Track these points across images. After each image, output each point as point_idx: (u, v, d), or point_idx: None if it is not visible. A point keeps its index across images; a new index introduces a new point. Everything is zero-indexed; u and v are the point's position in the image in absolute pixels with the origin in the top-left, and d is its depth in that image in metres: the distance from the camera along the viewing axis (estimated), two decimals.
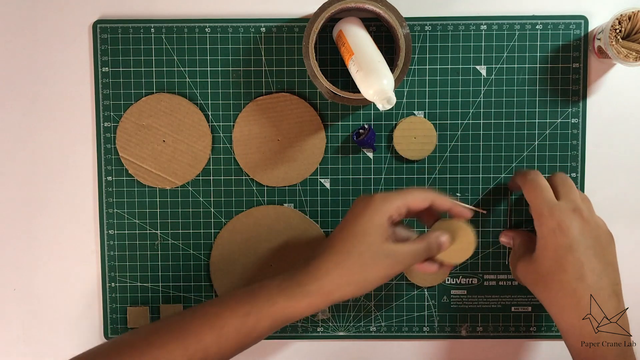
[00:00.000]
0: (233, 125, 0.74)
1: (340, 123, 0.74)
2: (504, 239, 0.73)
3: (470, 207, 0.67)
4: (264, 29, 0.73)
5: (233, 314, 0.61)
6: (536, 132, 0.73)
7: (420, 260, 0.63)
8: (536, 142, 0.73)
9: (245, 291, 0.62)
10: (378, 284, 0.61)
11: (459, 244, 0.66)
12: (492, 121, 0.73)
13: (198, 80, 0.73)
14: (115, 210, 0.74)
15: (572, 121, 0.73)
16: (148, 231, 0.74)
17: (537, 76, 0.73)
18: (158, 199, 0.74)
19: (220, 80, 0.73)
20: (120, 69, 0.73)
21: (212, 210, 0.74)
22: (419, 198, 0.63)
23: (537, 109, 0.73)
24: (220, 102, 0.73)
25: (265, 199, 0.74)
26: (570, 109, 0.73)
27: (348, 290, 0.60)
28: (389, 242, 0.61)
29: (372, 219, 0.61)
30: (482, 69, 0.73)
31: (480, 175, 0.74)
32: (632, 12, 0.65)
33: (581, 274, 0.61)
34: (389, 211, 0.61)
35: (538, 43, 0.73)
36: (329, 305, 0.61)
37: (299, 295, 0.60)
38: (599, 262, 0.63)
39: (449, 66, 0.73)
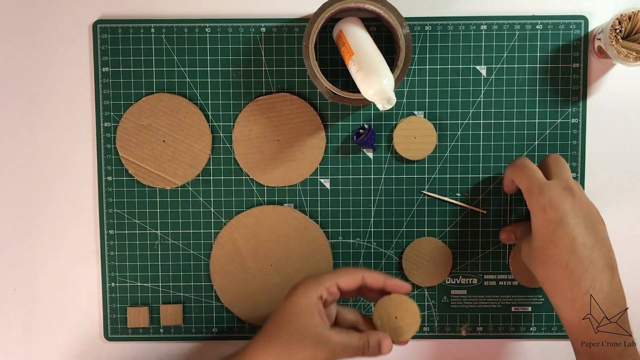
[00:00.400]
0: (233, 125, 0.74)
1: (340, 123, 0.74)
2: (503, 236, 0.72)
3: (402, 283, 0.65)
4: (264, 29, 0.73)
5: None
6: (536, 132, 0.73)
7: (354, 355, 0.61)
8: (536, 142, 0.73)
9: None
10: None
11: (404, 319, 0.64)
12: (492, 121, 0.73)
13: (198, 80, 0.73)
14: (115, 210, 0.74)
15: (572, 121, 0.73)
16: (148, 231, 0.74)
17: (537, 76, 0.73)
18: (158, 199, 0.74)
19: (220, 80, 0.73)
20: (120, 69, 0.73)
21: (212, 210, 0.74)
22: (348, 277, 0.63)
23: (537, 109, 0.73)
24: (220, 102, 0.73)
25: (265, 199, 0.74)
26: (570, 109, 0.73)
27: None
28: (322, 325, 0.61)
29: (301, 300, 0.61)
30: (482, 69, 0.73)
31: (480, 175, 0.74)
32: (632, 12, 0.65)
33: (573, 247, 0.60)
34: (318, 291, 0.61)
35: (538, 43, 0.73)
36: None
37: None
38: (591, 236, 0.61)
39: (449, 66, 0.73)
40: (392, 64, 0.67)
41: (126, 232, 0.74)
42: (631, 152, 0.74)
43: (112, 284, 0.75)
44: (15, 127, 0.74)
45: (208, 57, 0.73)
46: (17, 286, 0.75)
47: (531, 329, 0.75)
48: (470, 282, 0.75)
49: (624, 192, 0.74)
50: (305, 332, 0.60)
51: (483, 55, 0.73)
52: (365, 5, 0.67)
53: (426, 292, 0.75)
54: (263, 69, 0.73)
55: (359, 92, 0.65)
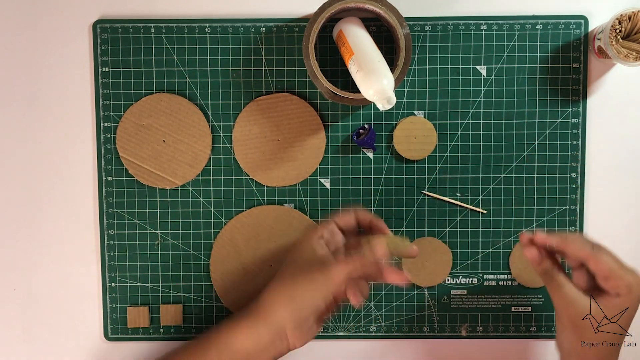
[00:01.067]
0: (233, 125, 0.74)
1: (340, 123, 0.74)
2: (532, 252, 0.64)
3: (384, 226, 0.68)
4: (264, 29, 0.73)
5: None
6: (536, 132, 0.73)
7: (353, 266, 0.62)
8: (536, 142, 0.73)
9: (206, 337, 0.67)
10: (313, 301, 0.63)
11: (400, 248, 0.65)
12: (492, 121, 0.73)
13: (198, 80, 0.73)
14: (115, 210, 0.74)
15: (572, 121, 0.73)
16: (148, 231, 0.74)
17: (537, 76, 0.73)
18: (158, 199, 0.74)
19: (220, 80, 0.73)
20: (120, 69, 0.73)
21: (212, 210, 0.74)
22: (343, 215, 0.68)
23: (537, 109, 0.73)
24: (220, 102, 0.73)
25: (265, 199, 0.74)
26: (570, 109, 0.73)
27: (282, 310, 0.64)
28: (322, 253, 0.64)
29: (302, 242, 0.66)
30: (482, 69, 0.73)
31: (480, 175, 0.74)
32: (632, 12, 0.65)
33: None
34: (318, 232, 0.66)
35: (538, 43, 0.73)
36: (273, 333, 0.64)
37: (242, 321, 0.65)
38: None
39: (449, 66, 0.73)
40: (392, 64, 0.67)
41: (126, 232, 0.74)
42: (631, 152, 0.74)
43: (112, 284, 0.75)
44: (15, 127, 0.74)
45: (208, 57, 0.73)
46: (17, 286, 0.75)
47: (531, 329, 0.75)
48: (470, 282, 0.75)
49: (624, 192, 0.74)
50: (305, 263, 0.64)
51: (483, 55, 0.73)
52: (365, 5, 0.67)
53: (426, 292, 0.75)
54: (263, 69, 0.73)
55: (359, 92, 0.65)
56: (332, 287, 0.62)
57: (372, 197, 0.74)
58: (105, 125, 0.74)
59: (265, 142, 0.73)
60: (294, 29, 0.73)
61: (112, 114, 0.73)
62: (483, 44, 0.73)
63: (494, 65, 0.73)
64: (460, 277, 0.75)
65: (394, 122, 0.73)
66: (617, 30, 0.66)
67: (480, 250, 0.75)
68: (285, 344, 0.65)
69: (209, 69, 0.73)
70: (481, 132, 0.73)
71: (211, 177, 0.74)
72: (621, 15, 0.66)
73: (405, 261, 0.74)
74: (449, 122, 0.73)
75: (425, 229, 0.74)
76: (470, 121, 0.73)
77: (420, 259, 0.74)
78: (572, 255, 0.63)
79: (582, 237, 0.64)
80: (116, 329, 0.75)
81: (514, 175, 0.74)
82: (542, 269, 0.64)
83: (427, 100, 0.73)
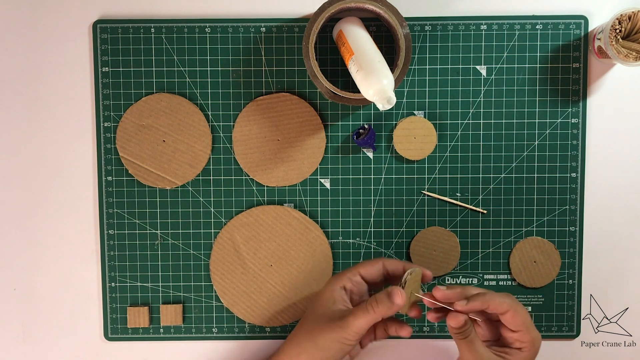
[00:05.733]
0: (233, 125, 0.74)
1: (340, 123, 0.74)
2: (454, 321, 0.63)
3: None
4: (264, 29, 0.73)
5: None
6: (536, 132, 0.73)
7: (373, 317, 0.62)
8: (536, 142, 0.73)
9: None
10: (334, 352, 0.63)
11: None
12: (492, 121, 0.73)
13: (198, 80, 0.73)
14: (115, 210, 0.74)
15: (572, 121, 0.73)
16: (148, 231, 0.74)
17: (537, 76, 0.73)
18: (158, 199, 0.74)
19: (220, 80, 0.73)
20: (120, 69, 0.73)
21: (212, 210, 0.74)
22: (368, 265, 0.67)
23: (537, 109, 0.73)
24: (220, 102, 0.73)
25: (265, 199, 0.74)
26: (570, 109, 0.73)
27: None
28: (343, 307, 0.64)
29: (324, 292, 0.66)
30: (482, 69, 0.73)
31: (480, 175, 0.74)
32: (632, 12, 0.65)
33: None
34: (341, 282, 0.66)
35: (538, 43, 0.73)
36: None
37: None
38: None
39: (449, 66, 0.73)
40: (392, 64, 0.67)
41: (126, 232, 0.74)
42: (631, 152, 0.74)
43: (112, 284, 0.75)
44: (16, 127, 0.74)
45: (208, 57, 0.73)
46: (17, 286, 0.75)
47: None
48: (470, 282, 0.75)
49: (624, 192, 0.74)
50: (324, 316, 0.64)
51: (483, 55, 0.73)
52: (365, 5, 0.67)
53: (425, 290, 0.75)
54: (263, 69, 0.73)
55: (359, 92, 0.65)
56: (351, 339, 0.63)
57: (372, 197, 0.74)
58: (105, 125, 0.74)
59: (265, 142, 0.73)
60: (294, 29, 0.73)
61: (112, 114, 0.73)
62: (483, 44, 0.73)
63: (494, 65, 0.73)
64: (460, 277, 0.75)
65: (394, 122, 0.73)
66: (617, 30, 0.66)
67: (480, 250, 0.75)
68: None
69: (209, 69, 0.73)
70: (481, 132, 0.73)
71: (211, 177, 0.74)
72: (621, 15, 0.66)
73: (414, 253, 0.74)
74: (449, 122, 0.73)
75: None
76: (470, 121, 0.73)
77: (427, 249, 0.74)
78: (493, 311, 0.63)
79: (493, 292, 0.64)
80: (116, 329, 0.75)
81: (514, 175, 0.74)
82: (461, 330, 0.63)
83: (427, 100, 0.73)
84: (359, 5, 0.67)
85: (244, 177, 0.74)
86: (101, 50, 0.73)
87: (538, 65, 0.73)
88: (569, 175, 0.74)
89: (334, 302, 0.64)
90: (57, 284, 0.75)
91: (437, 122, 0.73)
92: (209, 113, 0.74)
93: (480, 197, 0.74)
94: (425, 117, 0.73)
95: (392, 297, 0.62)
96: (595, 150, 0.74)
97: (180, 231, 0.75)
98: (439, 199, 0.74)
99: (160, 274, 0.75)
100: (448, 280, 0.75)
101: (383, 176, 0.74)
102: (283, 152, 0.73)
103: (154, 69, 0.73)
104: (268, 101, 0.73)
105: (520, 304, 0.63)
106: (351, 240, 0.75)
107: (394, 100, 0.62)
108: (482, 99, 0.73)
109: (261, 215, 0.74)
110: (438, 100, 0.73)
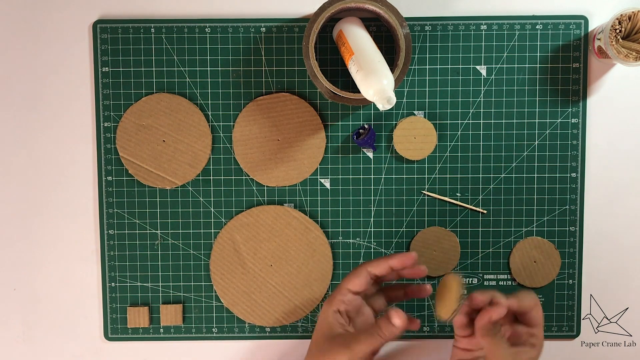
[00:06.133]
0: (233, 125, 0.74)
1: (340, 123, 0.74)
2: (459, 322, 0.64)
3: (404, 256, 0.64)
4: (264, 29, 0.73)
5: None
6: (536, 132, 0.73)
7: (379, 343, 0.62)
8: (536, 142, 0.73)
9: None
10: None
11: (446, 297, 0.63)
12: (492, 121, 0.73)
13: (198, 80, 0.73)
14: (115, 210, 0.74)
15: (572, 121, 0.73)
16: (148, 231, 0.75)
17: (537, 76, 0.73)
18: (158, 199, 0.74)
19: (220, 80, 0.73)
20: (120, 69, 0.73)
21: (212, 210, 0.74)
22: (354, 278, 0.64)
23: (537, 109, 0.73)
24: (220, 102, 0.73)
25: (265, 199, 0.74)
26: (570, 109, 0.73)
27: None
28: (342, 332, 0.63)
29: (321, 322, 0.64)
30: (482, 69, 0.73)
31: (480, 175, 0.74)
32: (632, 12, 0.65)
33: None
34: (332, 307, 0.64)
35: (538, 43, 0.73)
36: None
37: None
38: None
39: (449, 66, 0.73)
40: (392, 64, 0.67)
41: (126, 232, 0.74)
42: (631, 151, 0.74)
43: (112, 284, 0.75)
44: (16, 127, 0.74)
45: (208, 57, 0.73)
46: (17, 286, 0.75)
47: None
48: (470, 282, 0.75)
49: (624, 192, 0.74)
50: (326, 343, 0.63)
51: (483, 55, 0.73)
52: (365, 5, 0.67)
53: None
54: (263, 69, 0.73)
55: (359, 92, 0.65)
56: None
57: (372, 197, 0.74)
58: (105, 125, 0.74)
59: (265, 142, 0.73)
60: (294, 29, 0.73)
61: (112, 114, 0.73)
62: (483, 44, 0.73)
63: (494, 65, 0.73)
64: (460, 277, 0.75)
65: (394, 122, 0.73)
66: (617, 30, 0.66)
67: (480, 250, 0.75)
68: None
69: (209, 69, 0.73)
70: (481, 132, 0.73)
71: (211, 177, 0.74)
72: (621, 15, 0.66)
73: (414, 251, 0.74)
74: (449, 122, 0.73)
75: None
76: (470, 121, 0.73)
77: (427, 249, 0.74)
78: (522, 308, 0.64)
79: (523, 292, 0.65)
80: (116, 329, 0.75)
81: (514, 175, 0.74)
82: (494, 326, 0.63)
83: (427, 100, 0.73)
84: (359, 5, 0.67)
85: (244, 177, 0.74)
86: (101, 50, 0.73)
87: (538, 65, 0.73)
88: (569, 175, 0.74)
89: (331, 329, 0.63)
90: (57, 284, 0.75)
91: (437, 122, 0.73)
92: (209, 113, 0.74)
93: (480, 197, 0.74)
94: (425, 117, 0.73)
95: (392, 320, 0.61)
96: (595, 151, 0.74)
97: (180, 231, 0.75)
98: (439, 199, 0.74)
99: (160, 274, 0.75)
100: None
101: (383, 176, 0.74)
102: (283, 152, 0.73)
103: (154, 69, 0.73)
104: (268, 101, 0.73)
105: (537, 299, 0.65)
106: (351, 240, 0.75)
107: (394, 100, 0.62)
108: (482, 99, 0.73)
109: (261, 215, 0.74)
110: (438, 100, 0.73)
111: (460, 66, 0.73)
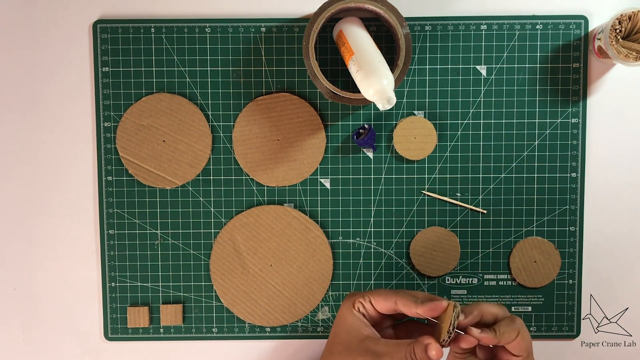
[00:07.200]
0: (233, 125, 0.74)
1: (340, 123, 0.74)
2: (465, 344, 0.60)
3: (435, 305, 0.60)
4: (264, 29, 0.73)
5: None
6: (536, 132, 0.73)
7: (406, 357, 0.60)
8: (536, 142, 0.73)
9: None
10: None
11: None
12: (492, 121, 0.73)
13: (198, 80, 0.73)
14: (115, 210, 0.74)
15: (572, 121, 0.73)
16: (148, 231, 0.75)
17: (537, 76, 0.73)
18: (158, 199, 0.74)
19: (220, 80, 0.73)
20: (120, 69, 0.73)
21: (212, 210, 0.74)
22: (381, 298, 0.62)
23: (537, 109, 0.73)
24: (220, 102, 0.73)
25: (265, 199, 0.74)
26: (570, 109, 0.73)
27: None
28: (370, 337, 0.61)
29: (346, 316, 0.62)
30: (482, 69, 0.73)
31: (480, 175, 0.74)
32: (632, 12, 0.65)
33: None
34: (354, 303, 0.62)
35: (538, 43, 0.73)
36: None
37: None
38: None
39: (449, 66, 0.73)
40: (392, 64, 0.67)
41: (126, 232, 0.74)
42: (631, 151, 0.74)
43: (112, 284, 0.75)
44: (16, 127, 0.74)
45: (208, 57, 0.73)
46: (17, 286, 0.75)
47: (531, 328, 0.75)
48: (470, 282, 0.75)
49: (624, 192, 0.74)
50: (355, 348, 0.60)
51: (483, 55, 0.73)
52: (365, 5, 0.67)
53: (425, 292, 0.75)
54: (263, 69, 0.73)
55: (359, 92, 0.65)
56: None
57: (372, 197, 0.74)
58: (105, 125, 0.74)
59: (265, 142, 0.73)
60: (294, 29, 0.73)
61: (112, 114, 0.73)
62: (483, 44, 0.73)
63: (494, 65, 0.73)
64: (460, 277, 0.75)
65: (394, 122, 0.73)
66: (617, 30, 0.66)
67: (480, 250, 0.75)
68: None
69: (209, 69, 0.73)
70: (481, 132, 0.73)
71: (211, 177, 0.74)
72: (621, 15, 0.66)
73: (414, 253, 0.74)
74: (449, 122, 0.73)
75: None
76: (470, 121, 0.73)
77: (427, 249, 0.74)
78: (503, 343, 0.61)
79: (505, 321, 0.61)
80: (116, 329, 0.75)
81: (514, 175, 0.74)
82: (468, 351, 0.62)
83: (427, 100, 0.73)
84: (359, 5, 0.67)
85: (244, 177, 0.74)
86: (101, 50, 0.73)
87: (538, 65, 0.73)
88: (569, 175, 0.74)
89: (357, 330, 0.61)
90: (57, 284, 0.75)
91: (437, 122, 0.73)
92: (209, 113, 0.74)
93: (480, 197, 0.74)
94: (425, 117, 0.73)
95: (429, 352, 0.58)
96: (595, 150, 0.74)
97: (180, 231, 0.75)
98: (439, 199, 0.74)
99: (160, 274, 0.75)
100: (448, 281, 0.75)
101: (383, 176, 0.74)
102: (283, 152, 0.73)
103: (154, 69, 0.73)
104: (268, 101, 0.73)
105: (526, 328, 0.61)
106: (351, 240, 0.75)
107: (394, 100, 0.62)
108: (482, 99, 0.73)
109: (261, 215, 0.74)
110: (438, 100, 0.73)
111: (460, 66, 0.73)
